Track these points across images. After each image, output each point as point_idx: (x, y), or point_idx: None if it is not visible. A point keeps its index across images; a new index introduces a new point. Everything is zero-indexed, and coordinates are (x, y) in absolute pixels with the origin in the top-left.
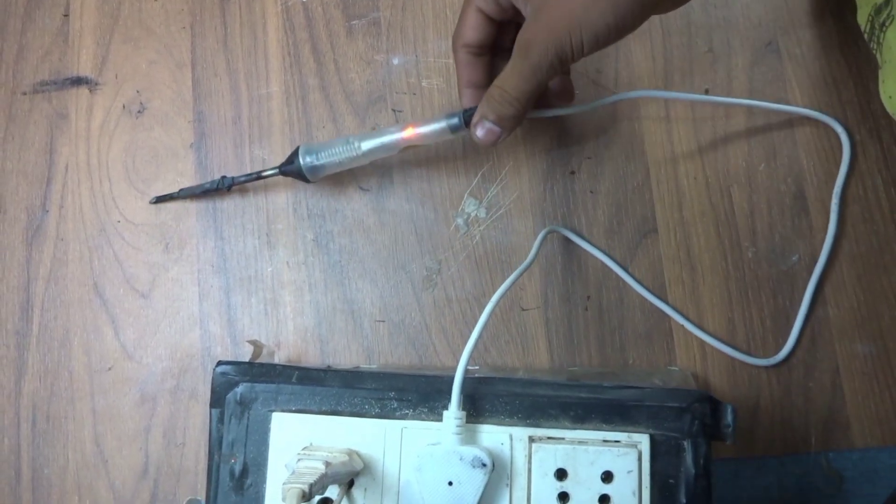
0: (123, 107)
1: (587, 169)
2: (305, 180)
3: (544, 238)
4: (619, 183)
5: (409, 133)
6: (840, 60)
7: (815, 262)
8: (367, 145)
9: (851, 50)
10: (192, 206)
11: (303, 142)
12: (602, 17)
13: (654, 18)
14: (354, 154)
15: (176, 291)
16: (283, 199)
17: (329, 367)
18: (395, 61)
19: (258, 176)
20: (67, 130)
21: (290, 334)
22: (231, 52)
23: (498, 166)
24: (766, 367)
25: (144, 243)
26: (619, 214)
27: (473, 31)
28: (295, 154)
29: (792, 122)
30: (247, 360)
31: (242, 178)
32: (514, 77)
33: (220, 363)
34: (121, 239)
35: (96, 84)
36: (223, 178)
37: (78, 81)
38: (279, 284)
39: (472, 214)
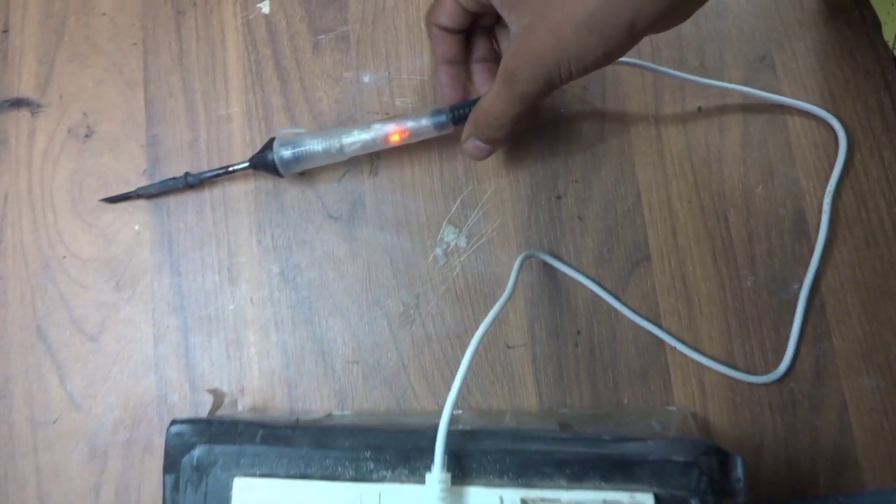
0: (69, 130)
1: (574, 193)
2: (278, 174)
3: (522, 265)
4: (609, 208)
5: (394, 128)
6: (838, 74)
7: (816, 290)
8: (349, 141)
9: (849, 63)
10: (145, 238)
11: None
12: (592, 47)
13: None
14: (334, 149)
15: (128, 333)
16: (245, 229)
17: (298, 420)
18: (366, 78)
19: (226, 171)
20: (7, 157)
21: (254, 378)
22: (187, 70)
23: (479, 191)
24: (770, 405)
25: (93, 281)
26: (609, 241)
27: (448, 17)
28: (268, 145)
29: (789, 141)
30: (207, 409)
31: (208, 174)
32: (500, 103)
33: (174, 422)
34: (67, 276)
35: (39, 106)
36: (186, 174)
37: (18, 103)
38: (242, 323)
39: (452, 244)
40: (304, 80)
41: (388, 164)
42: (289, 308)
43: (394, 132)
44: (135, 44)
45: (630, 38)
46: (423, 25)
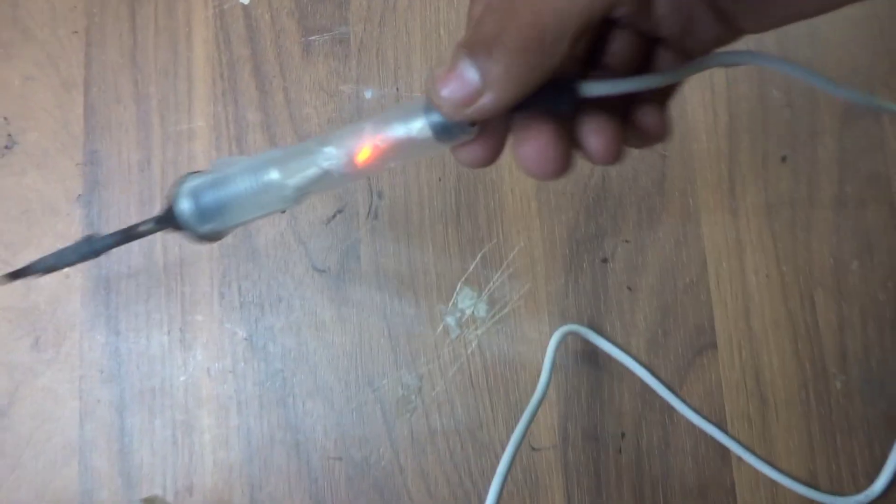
0: None
1: (624, 257)
2: (200, 239)
3: (560, 344)
4: (667, 278)
5: (362, 146)
6: None
7: None
8: (292, 182)
9: None
10: (76, 285)
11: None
12: None
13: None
14: (276, 194)
15: (47, 407)
16: (205, 278)
17: None
18: (368, 94)
19: (130, 233)
20: None
21: (207, 473)
22: (141, 71)
23: (504, 246)
24: None
25: (5, 335)
26: (665, 322)
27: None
28: (175, 195)
29: (894, 205)
30: None
31: (110, 239)
32: (548, 17)
33: None
34: None
35: None
36: (89, 238)
37: None
38: (195, 401)
39: (468, 312)
40: (290, 92)
41: (392, 205)
42: (256, 384)
43: (362, 149)
44: (76, 32)
45: None
46: (441, 32)
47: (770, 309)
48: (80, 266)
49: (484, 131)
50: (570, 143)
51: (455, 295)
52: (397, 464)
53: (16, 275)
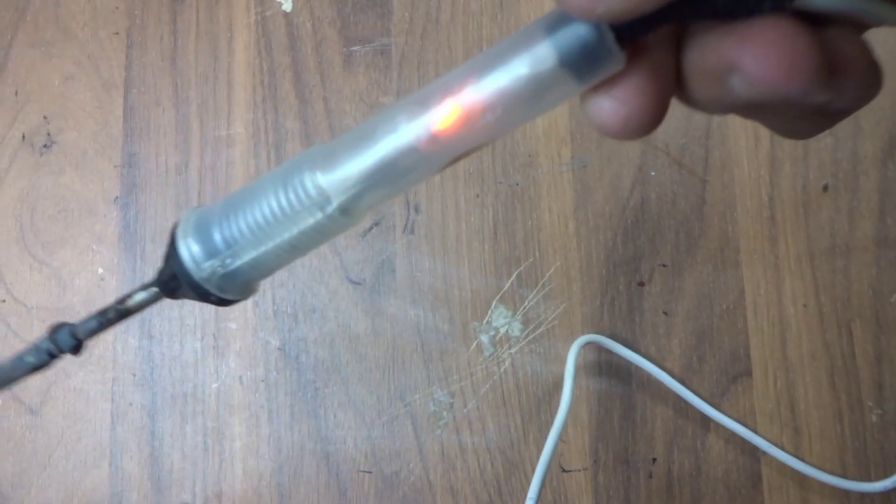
0: (23, 137)
1: (661, 281)
2: (216, 301)
3: (580, 353)
4: (704, 304)
5: (457, 103)
6: None
7: None
8: (335, 185)
9: None
10: (110, 286)
11: None
12: None
13: None
14: (313, 219)
15: (79, 408)
16: None
17: None
18: None
19: (119, 313)
20: None
21: (236, 481)
22: (181, 74)
23: (541, 266)
24: None
25: (39, 335)
26: (701, 347)
27: None
28: (171, 246)
29: None
30: None
31: (92, 324)
32: None
33: None
34: (5, 326)
35: None
36: (59, 327)
37: None
38: (227, 408)
39: (503, 330)
40: (330, 102)
41: (429, 219)
42: (288, 394)
43: (450, 111)
44: (117, 33)
45: None
46: (484, 45)
47: (807, 339)
48: (115, 267)
49: (640, 58)
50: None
51: (490, 313)
52: (426, 480)
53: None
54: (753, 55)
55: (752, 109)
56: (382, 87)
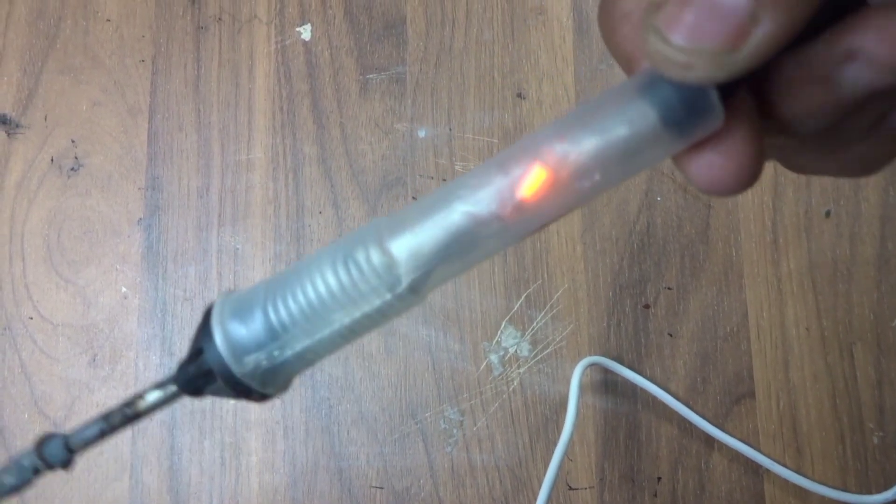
0: (52, 160)
1: (666, 303)
2: (255, 397)
3: (584, 373)
4: (708, 326)
5: (542, 167)
6: None
7: None
8: (409, 259)
9: None
10: (133, 305)
11: (292, 227)
12: None
13: None
14: (380, 300)
15: None
16: None
17: None
18: (422, 133)
19: (126, 417)
20: None
21: (252, 495)
22: (203, 101)
23: (549, 288)
24: None
25: (64, 352)
26: (705, 368)
27: None
28: (205, 335)
29: None
30: None
31: (92, 432)
32: None
33: None
34: (32, 342)
35: (17, 126)
36: (48, 438)
37: None
38: (244, 424)
39: (512, 350)
40: (346, 128)
41: None
42: (303, 411)
43: (536, 175)
44: (143, 61)
45: None
46: (495, 75)
47: (809, 361)
48: (137, 286)
49: (736, 116)
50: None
51: (499, 333)
52: (437, 496)
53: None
54: (875, 36)
55: (863, 105)
56: (397, 114)
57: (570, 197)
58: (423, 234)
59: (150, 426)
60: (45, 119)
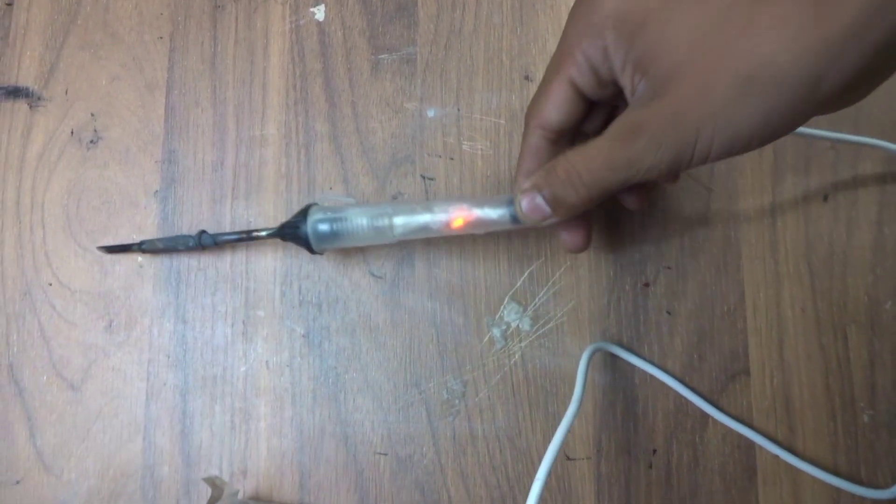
0: (72, 133)
1: (665, 282)
2: (310, 250)
3: (591, 360)
4: (706, 305)
5: (458, 215)
6: None
7: None
8: (400, 224)
9: None
10: (148, 274)
11: (303, 202)
12: (749, 117)
13: None
14: (384, 228)
15: (116, 385)
16: (268, 276)
17: None
18: (431, 113)
19: (249, 236)
20: None
21: (261, 458)
22: (219, 77)
23: (552, 265)
24: None
25: (81, 317)
26: (701, 346)
27: (558, 110)
28: (303, 215)
29: None
30: (199, 493)
31: (229, 237)
32: (598, 162)
33: None
34: (50, 308)
35: (39, 99)
36: (202, 233)
37: (15, 93)
38: (254, 391)
39: (514, 325)
40: (357, 106)
41: None
42: (311, 379)
43: (457, 217)
44: (161, 38)
45: (802, 110)
46: (503, 58)
47: (803, 341)
48: (153, 257)
49: (567, 224)
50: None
51: (502, 308)
52: (438, 463)
53: (116, 249)
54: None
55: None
56: (407, 94)
57: (467, 231)
58: (411, 218)
59: (164, 391)
60: (66, 93)
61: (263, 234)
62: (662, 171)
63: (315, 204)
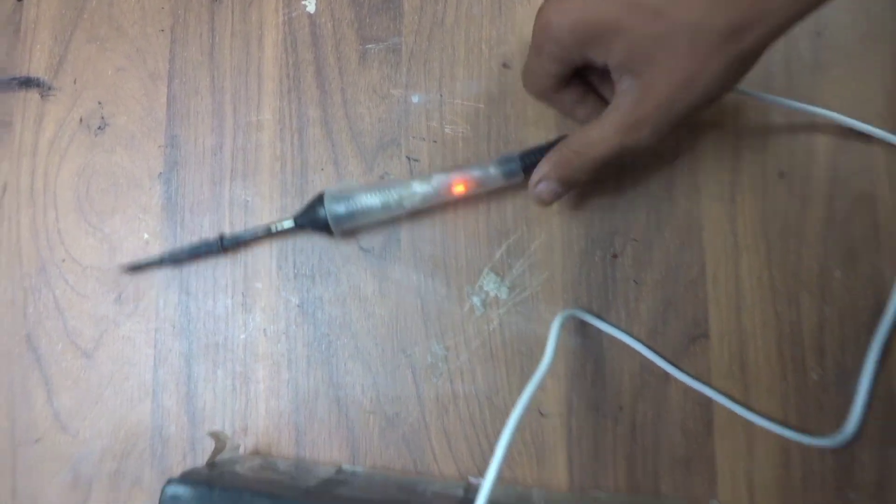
0: (81, 120)
1: (633, 254)
2: (328, 233)
3: (563, 325)
4: (670, 274)
5: (458, 178)
6: None
7: (892, 395)
8: (407, 193)
9: None
10: (154, 249)
11: (296, 182)
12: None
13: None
14: (393, 203)
15: (126, 353)
16: (266, 252)
17: (308, 490)
18: (415, 99)
19: (268, 232)
20: (9, 143)
21: (260, 418)
22: (217, 67)
23: (527, 238)
24: None
25: (93, 290)
26: (665, 312)
27: (547, 76)
28: (317, 202)
29: (877, 223)
30: (204, 447)
31: (247, 235)
32: (600, 146)
33: (170, 482)
34: (64, 282)
35: (50, 89)
36: (221, 237)
37: (27, 83)
38: (253, 356)
39: (492, 294)
40: (346, 93)
41: None
42: (305, 345)
43: (457, 182)
44: (162, 31)
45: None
46: (483, 47)
47: (760, 308)
48: (158, 234)
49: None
50: None
51: (481, 279)
52: (423, 421)
53: (138, 266)
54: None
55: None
56: (393, 81)
57: (465, 193)
58: (412, 190)
59: (170, 357)
60: (75, 83)
61: (284, 226)
62: (652, 144)
63: (324, 193)
